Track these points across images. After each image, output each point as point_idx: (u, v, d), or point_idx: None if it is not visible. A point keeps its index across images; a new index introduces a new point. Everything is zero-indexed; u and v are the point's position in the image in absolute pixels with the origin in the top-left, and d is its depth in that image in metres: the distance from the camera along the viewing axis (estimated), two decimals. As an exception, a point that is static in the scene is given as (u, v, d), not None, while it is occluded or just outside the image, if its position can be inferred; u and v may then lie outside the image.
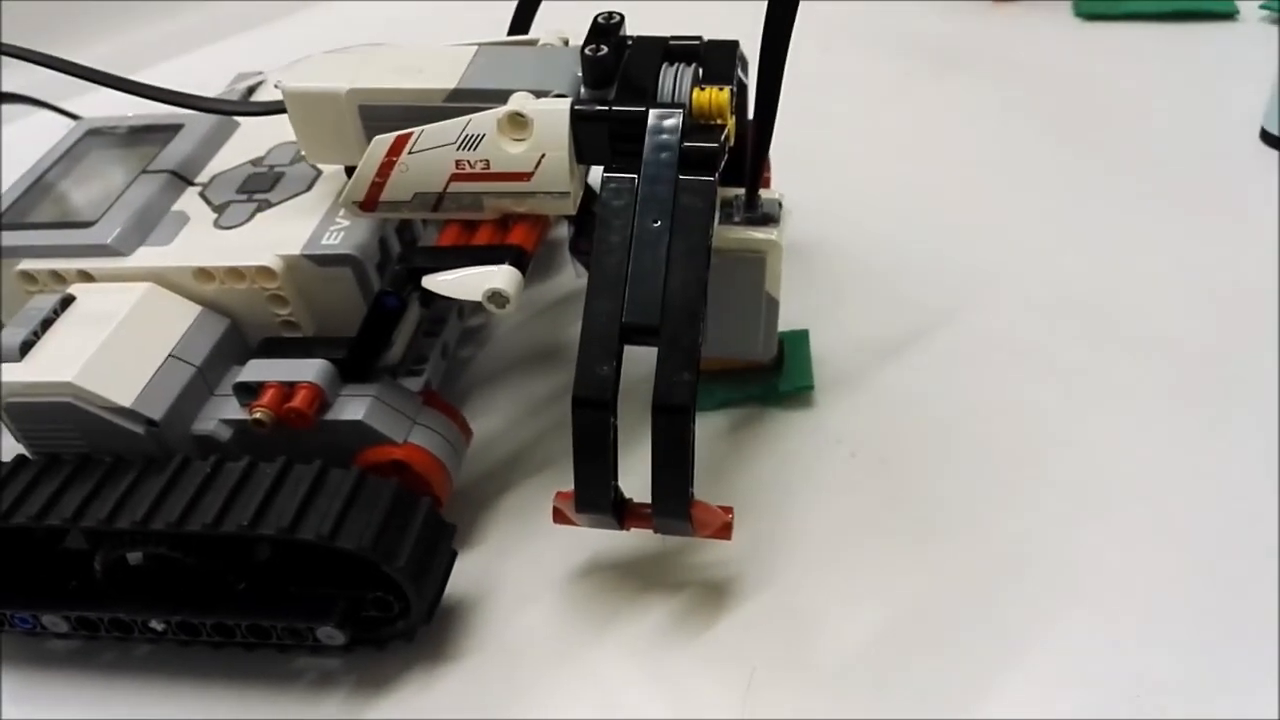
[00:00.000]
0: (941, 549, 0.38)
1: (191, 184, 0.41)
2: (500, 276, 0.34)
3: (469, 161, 0.35)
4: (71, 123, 0.47)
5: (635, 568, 0.38)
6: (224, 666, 0.37)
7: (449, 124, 0.34)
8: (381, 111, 0.36)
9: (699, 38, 0.36)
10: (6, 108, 0.52)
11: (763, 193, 0.40)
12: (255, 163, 0.42)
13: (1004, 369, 0.44)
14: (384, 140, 0.35)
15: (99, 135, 0.45)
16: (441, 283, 0.35)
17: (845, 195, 0.54)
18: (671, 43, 0.36)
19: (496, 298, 0.34)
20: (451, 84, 0.35)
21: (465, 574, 0.38)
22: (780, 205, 0.40)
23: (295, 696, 0.36)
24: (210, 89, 0.45)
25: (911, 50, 0.66)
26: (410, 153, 0.35)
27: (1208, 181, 0.52)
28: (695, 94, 0.34)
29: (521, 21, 0.44)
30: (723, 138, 0.34)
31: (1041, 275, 0.48)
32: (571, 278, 0.51)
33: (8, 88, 0.51)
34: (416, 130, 0.35)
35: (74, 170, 0.43)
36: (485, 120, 0.34)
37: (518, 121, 0.34)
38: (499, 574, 0.39)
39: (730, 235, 0.39)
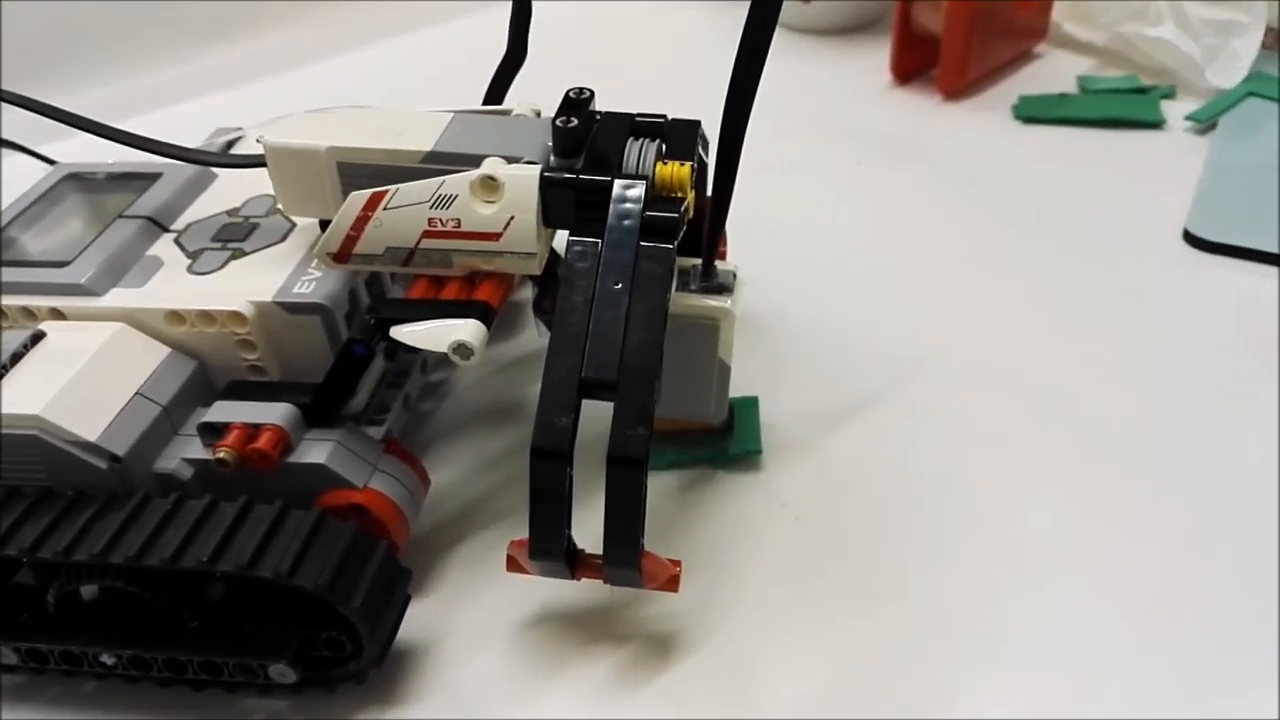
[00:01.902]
0: (881, 611, 0.39)
1: (167, 230, 0.43)
2: (466, 330, 0.36)
3: (441, 220, 0.36)
4: (48, 168, 0.48)
5: (583, 619, 0.39)
6: (171, 706, 0.37)
7: (424, 183, 0.36)
8: (359, 169, 0.37)
9: (664, 116, 0.38)
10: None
11: (718, 264, 0.42)
12: (231, 213, 0.43)
13: (942, 441, 0.46)
14: (361, 195, 0.37)
15: (77, 180, 0.46)
16: (409, 333, 0.36)
17: (796, 272, 0.56)
18: (638, 119, 0.38)
19: (461, 349, 0.35)
20: (428, 146, 0.37)
21: (418, 620, 0.39)
22: (735, 276, 0.42)
23: (241, 737, 0.36)
24: (189, 142, 0.47)
25: (861, 141, 0.70)
26: (385, 209, 0.36)
27: (1134, 274, 0.56)
28: (658, 167, 0.36)
29: (496, 93, 0.46)
30: (682, 209, 0.36)
31: (978, 355, 0.51)
32: (532, 339, 0.53)
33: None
34: (393, 188, 0.36)
35: (51, 212, 0.44)
36: (459, 181, 0.36)
37: (489, 184, 0.36)
38: (451, 621, 0.39)
39: (686, 302, 0.41)
